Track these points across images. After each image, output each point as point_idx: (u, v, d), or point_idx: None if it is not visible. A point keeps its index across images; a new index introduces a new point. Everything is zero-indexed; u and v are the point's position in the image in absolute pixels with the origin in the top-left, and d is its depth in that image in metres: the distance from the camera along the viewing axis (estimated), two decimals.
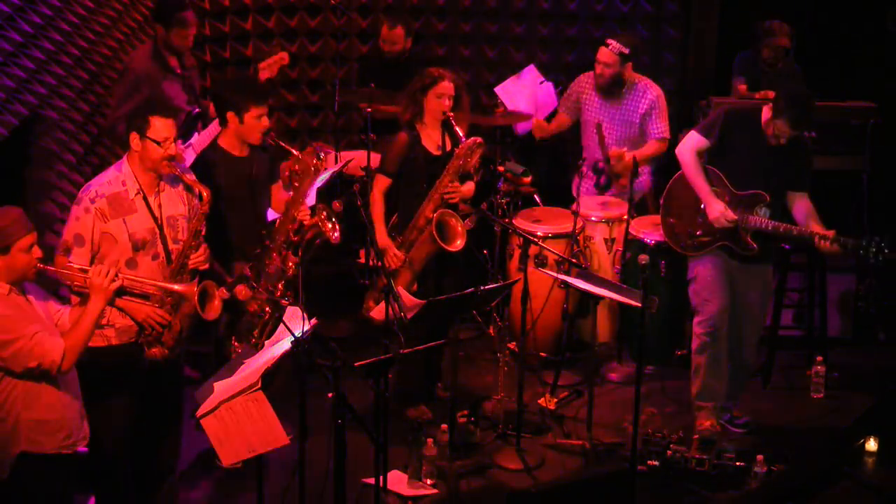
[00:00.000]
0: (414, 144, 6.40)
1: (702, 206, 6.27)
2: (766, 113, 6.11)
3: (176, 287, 5.08)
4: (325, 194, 6.69)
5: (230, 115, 5.91)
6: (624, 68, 7.31)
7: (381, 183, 6.45)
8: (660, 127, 7.39)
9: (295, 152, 5.92)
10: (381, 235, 6.39)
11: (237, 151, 5.98)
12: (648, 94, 7.37)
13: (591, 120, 7.49)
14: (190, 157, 6.48)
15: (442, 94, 6.36)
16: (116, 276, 4.69)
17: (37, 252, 4.58)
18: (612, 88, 7.37)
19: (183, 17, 6.87)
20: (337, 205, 5.98)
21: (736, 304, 6.34)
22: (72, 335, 4.62)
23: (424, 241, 6.35)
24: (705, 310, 6.31)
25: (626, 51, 7.24)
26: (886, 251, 5.94)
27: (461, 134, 6.34)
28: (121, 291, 4.81)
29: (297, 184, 5.91)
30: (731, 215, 6.15)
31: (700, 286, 6.35)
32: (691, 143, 6.28)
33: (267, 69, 7.18)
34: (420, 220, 6.38)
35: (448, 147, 6.46)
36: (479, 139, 6.39)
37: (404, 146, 6.40)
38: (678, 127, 7.94)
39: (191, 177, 5.35)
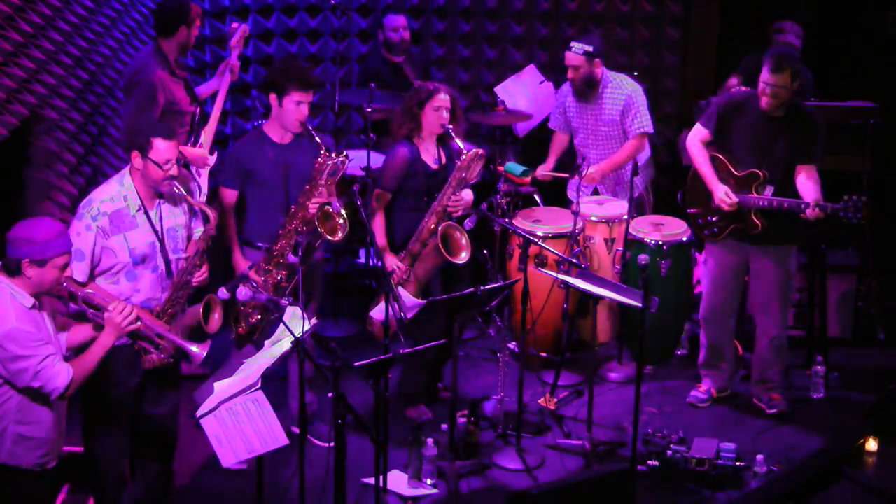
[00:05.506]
0: (414, 160, 6.39)
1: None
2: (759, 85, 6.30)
3: (193, 349, 5.02)
4: None
5: (272, 97, 5.98)
6: (593, 66, 7.25)
7: (382, 199, 6.45)
8: (637, 122, 7.33)
9: (322, 146, 5.90)
10: (383, 245, 6.39)
11: (278, 138, 6.03)
12: (623, 91, 7.33)
13: (579, 126, 7.47)
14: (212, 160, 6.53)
15: (440, 107, 6.35)
16: (137, 319, 4.75)
17: (69, 272, 4.61)
18: (587, 90, 7.33)
19: (195, 15, 6.82)
20: (336, 205, 5.98)
21: (752, 288, 6.67)
22: (80, 366, 4.64)
23: (429, 254, 6.36)
24: (707, 299, 6.73)
25: (591, 48, 7.20)
26: (862, 212, 6.18)
27: (462, 146, 6.33)
28: (134, 335, 4.84)
29: (315, 176, 5.92)
30: (732, 195, 6.39)
31: (708, 275, 6.71)
32: (694, 134, 6.63)
33: (237, 46, 7.11)
34: (424, 233, 6.37)
35: (444, 160, 6.46)
36: (480, 150, 6.38)
37: (405, 161, 6.39)
38: (678, 126, 7.90)
39: (195, 199, 5.37)
